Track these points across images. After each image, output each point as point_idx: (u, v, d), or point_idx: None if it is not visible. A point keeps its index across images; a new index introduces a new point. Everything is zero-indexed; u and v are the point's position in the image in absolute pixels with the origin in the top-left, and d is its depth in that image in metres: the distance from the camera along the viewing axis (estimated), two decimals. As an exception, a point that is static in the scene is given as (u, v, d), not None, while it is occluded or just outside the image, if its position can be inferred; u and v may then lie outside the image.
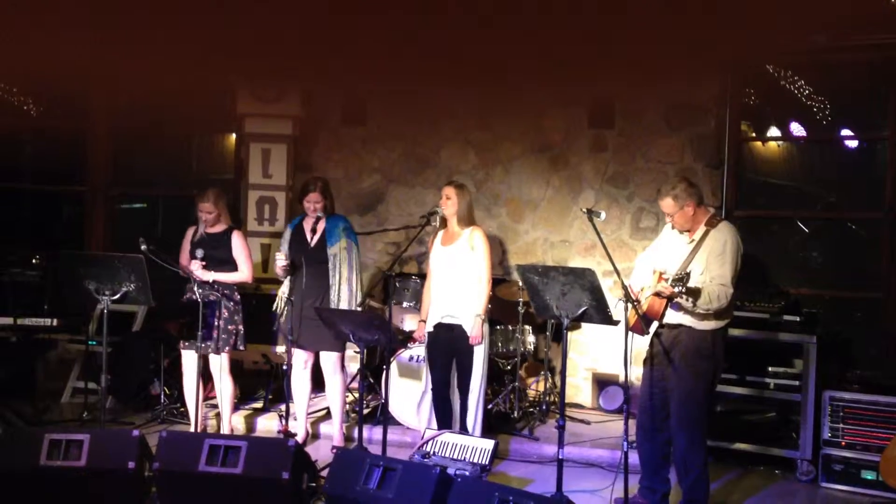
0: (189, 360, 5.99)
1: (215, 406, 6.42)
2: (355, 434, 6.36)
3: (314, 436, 6.43)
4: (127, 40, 6.35)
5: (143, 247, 5.45)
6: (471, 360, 5.68)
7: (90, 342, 7.04)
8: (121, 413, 6.89)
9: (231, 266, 5.97)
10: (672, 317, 4.86)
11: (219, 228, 6.02)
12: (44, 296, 7.19)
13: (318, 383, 6.29)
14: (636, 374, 4.83)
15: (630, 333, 4.73)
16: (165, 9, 5.98)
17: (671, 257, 4.91)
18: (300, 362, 6.08)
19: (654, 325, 4.87)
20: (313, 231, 6.03)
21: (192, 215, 6.10)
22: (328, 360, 6.04)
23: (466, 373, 5.70)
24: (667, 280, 4.62)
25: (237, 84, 7.66)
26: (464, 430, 5.66)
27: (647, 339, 4.92)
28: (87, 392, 6.92)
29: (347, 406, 6.71)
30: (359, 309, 5.88)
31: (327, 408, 6.45)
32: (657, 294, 4.73)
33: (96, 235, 8.27)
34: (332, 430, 6.25)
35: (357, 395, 5.91)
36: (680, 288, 4.54)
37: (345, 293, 5.93)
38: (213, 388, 6.31)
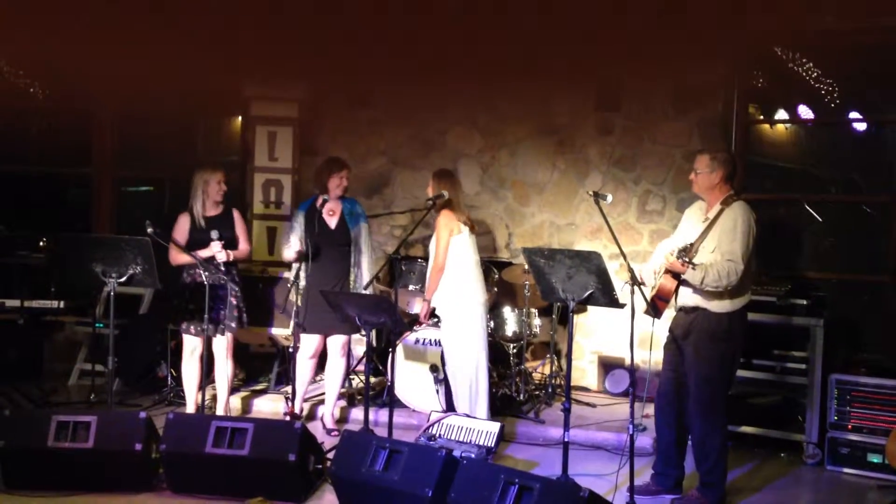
0: (192, 344, 5.97)
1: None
2: (350, 416, 6.39)
3: (310, 417, 6.40)
4: (134, 23, 6.34)
5: (150, 230, 5.43)
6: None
7: (97, 324, 7.06)
8: (128, 395, 6.91)
9: (235, 244, 5.97)
10: (689, 299, 4.85)
11: (219, 210, 5.99)
12: (50, 278, 7.21)
13: (319, 367, 6.27)
14: (641, 357, 4.82)
15: (636, 316, 4.72)
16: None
17: (687, 237, 4.92)
18: (309, 349, 6.03)
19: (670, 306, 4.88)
20: (331, 213, 6.01)
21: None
22: (336, 342, 6.03)
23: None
24: (673, 254, 4.63)
25: (243, 66, 7.63)
26: (450, 409, 5.70)
27: (656, 322, 4.90)
28: (95, 374, 6.93)
29: (355, 389, 6.72)
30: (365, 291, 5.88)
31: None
32: (667, 271, 4.75)
33: (102, 218, 8.28)
34: (325, 412, 6.19)
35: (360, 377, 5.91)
36: (684, 257, 4.55)
37: (365, 276, 5.94)
38: (213, 371, 6.27)
